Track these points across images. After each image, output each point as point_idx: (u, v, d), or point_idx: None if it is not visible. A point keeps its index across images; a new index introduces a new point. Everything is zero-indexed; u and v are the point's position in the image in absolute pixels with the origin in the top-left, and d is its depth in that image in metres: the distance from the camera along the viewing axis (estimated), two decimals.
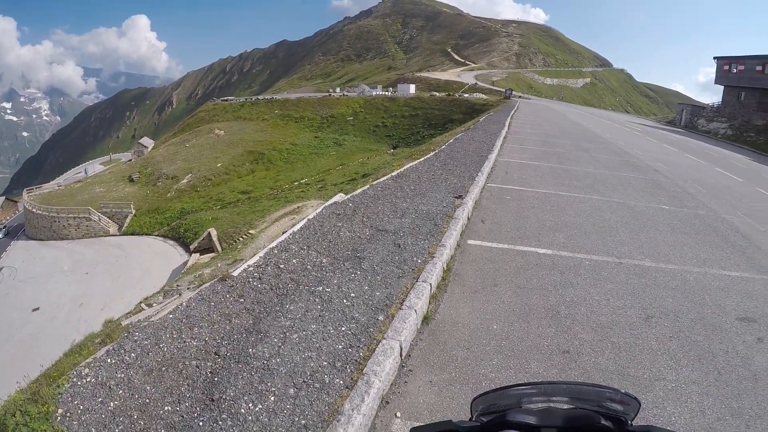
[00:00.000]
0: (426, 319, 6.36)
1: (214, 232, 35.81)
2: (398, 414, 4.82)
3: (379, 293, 6.55)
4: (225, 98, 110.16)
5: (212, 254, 33.08)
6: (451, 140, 23.18)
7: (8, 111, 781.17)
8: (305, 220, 10.09)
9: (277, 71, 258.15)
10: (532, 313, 6.75)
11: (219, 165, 59.85)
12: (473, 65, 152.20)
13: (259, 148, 63.10)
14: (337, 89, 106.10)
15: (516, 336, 6.14)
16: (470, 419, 1.66)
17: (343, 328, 5.72)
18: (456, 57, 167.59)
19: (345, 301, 6.36)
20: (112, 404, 4.97)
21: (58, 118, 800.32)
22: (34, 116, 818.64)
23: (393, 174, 14.51)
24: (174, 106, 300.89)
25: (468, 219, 10.70)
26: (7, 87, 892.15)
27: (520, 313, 6.74)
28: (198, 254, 34.96)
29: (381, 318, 5.92)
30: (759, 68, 54.80)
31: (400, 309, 6.10)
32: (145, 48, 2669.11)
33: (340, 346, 5.39)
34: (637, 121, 74.06)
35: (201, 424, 4.53)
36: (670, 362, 5.91)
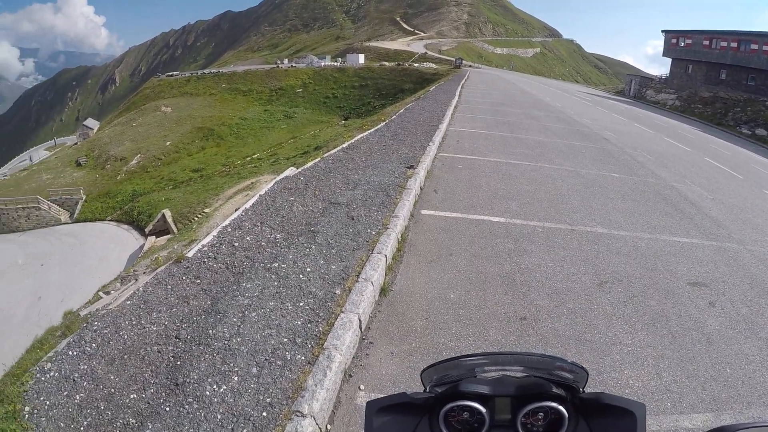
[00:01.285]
0: (383, 291, 6.35)
1: (168, 213, 35.19)
2: (362, 387, 4.84)
3: (335, 267, 6.51)
4: (170, 73, 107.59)
5: (168, 236, 32.50)
6: (402, 110, 23.07)
7: None
8: (257, 197, 9.97)
9: (223, 44, 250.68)
10: (488, 281, 6.80)
11: (168, 143, 58.50)
12: (422, 34, 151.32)
13: (209, 124, 61.78)
14: (285, 61, 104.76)
15: (473, 304, 6.19)
16: (424, 390, 1.65)
17: (301, 304, 5.68)
18: (405, 26, 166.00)
19: (301, 276, 6.30)
20: (78, 397, 4.91)
21: None
22: None
23: (344, 146, 14.39)
24: (117, 84, 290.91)
25: (421, 189, 10.68)
26: None
27: (477, 281, 6.78)
28: (154, 237, 34.39)
29: (338, 291, 5.90)
30: (706, 42, 56.51)
31: (357, 282, 6.08)
32: (82, 24, 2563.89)
33: (299, 322, 5.36)
34: (586, 90, 75.26)
35: (167, 409, 4.50)
36: (625, 327, 6.06)
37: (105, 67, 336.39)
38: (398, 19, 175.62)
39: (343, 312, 5.45)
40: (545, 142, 18.46)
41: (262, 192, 10.21)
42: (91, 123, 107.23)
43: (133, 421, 4.51)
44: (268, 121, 62.25)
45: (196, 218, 31.55)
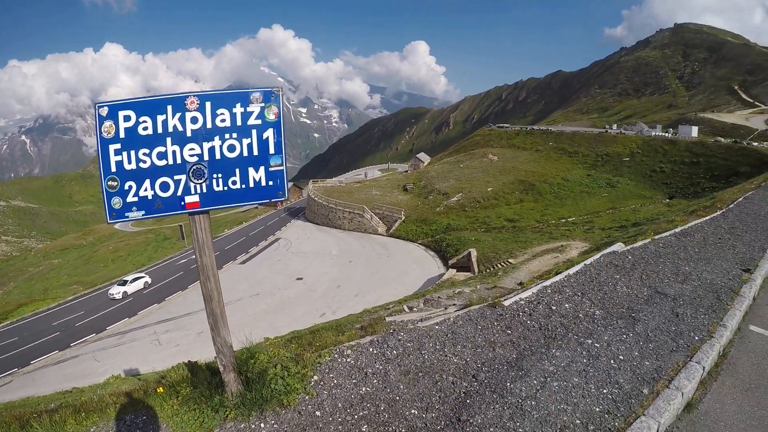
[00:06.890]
0: (689, 407, 5.66)
1: (474, 253, 36.59)
2: None
3: (648, 363, 6.16)
4: (500, 125, 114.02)
5: (468, 274, 33.89)
6: (741, 198, 20.88)
7: (303, 115, 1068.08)
8: (581, 265, 10.09)
9: (552, 102, 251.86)
10: None
11: (489, 189, 61.74)
12: (763, 107, 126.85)
13: (530, 179, 63.41)
14: (614, 126, 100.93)
15: None
16: None
17: (604, 391, 5.52)
18: (744, 96, 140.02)
19: (612, 362, 6.16)
20: (364, 389, 5.66)
21: (345, 125, 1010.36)
22: (325, 122, 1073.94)
23: (676, 230, 13.70)
24: (450, 128, 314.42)
25: (753, 299, 8.99)
26: (303, 95, 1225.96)
27: None
28: (455, 270, 36.00)
29: (645, 391, 5.56)
30: None
31: (667, 387, 5.62)
32: (425, 71, 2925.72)
33: (597, 409, 5.20)
34: None
35: None
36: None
37: (441, 111, 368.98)
38: (736, 87, 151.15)
39: (644, 415, 5.11)
40: None
41: (588, 262, 10.34)
42: (423, 157, 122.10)
43: None
44: (590, 186, 60.47)
45: (500, 265, 32.03)
